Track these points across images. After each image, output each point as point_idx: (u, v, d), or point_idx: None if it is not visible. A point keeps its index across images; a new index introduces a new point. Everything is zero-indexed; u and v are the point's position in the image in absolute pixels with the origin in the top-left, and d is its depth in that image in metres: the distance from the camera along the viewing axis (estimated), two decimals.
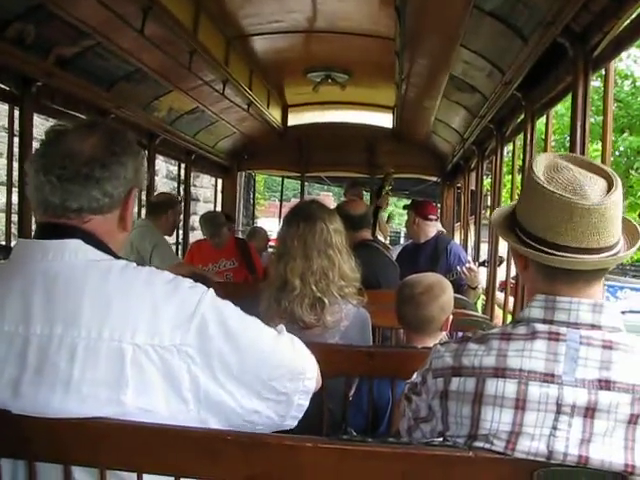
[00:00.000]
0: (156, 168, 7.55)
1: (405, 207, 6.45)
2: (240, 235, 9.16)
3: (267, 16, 4.98)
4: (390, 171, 7.94)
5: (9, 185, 4.40)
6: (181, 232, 8.11)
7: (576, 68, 3.04)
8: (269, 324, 1.70)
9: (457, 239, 7.85)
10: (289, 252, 2.90)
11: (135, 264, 1.62)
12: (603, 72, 3.23)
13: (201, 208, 16.93)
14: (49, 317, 1.49)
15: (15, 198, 4.30)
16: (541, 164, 1.62)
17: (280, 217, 11.18)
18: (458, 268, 5.46)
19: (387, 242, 9.13)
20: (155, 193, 6.60)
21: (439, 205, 8.64)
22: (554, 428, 1.49)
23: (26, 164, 1.63)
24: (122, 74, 4.83)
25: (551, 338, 1.55)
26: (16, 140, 4.33)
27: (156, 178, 7.75)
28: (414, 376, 1.90)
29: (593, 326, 1.55)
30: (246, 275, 6.36)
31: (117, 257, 1.64)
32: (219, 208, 9.21)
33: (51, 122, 4.97)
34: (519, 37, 3.29)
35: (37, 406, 1.46)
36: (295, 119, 8.16)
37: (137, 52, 4.40)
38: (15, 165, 4.33)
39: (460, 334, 2.84)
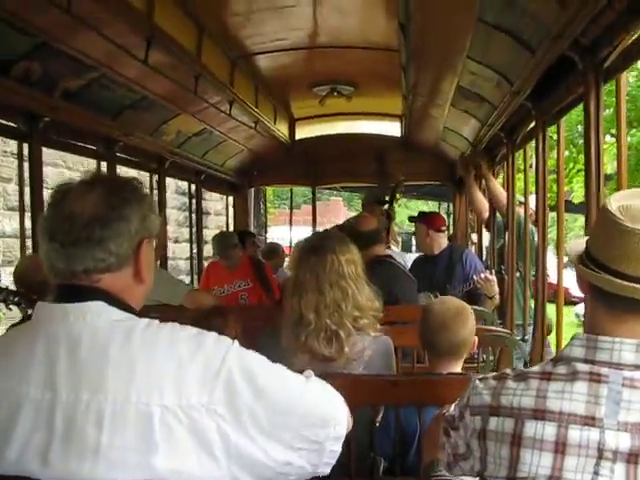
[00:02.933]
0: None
1: (412, 219, 6.40)
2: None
3: (270, 35, 4.99)
4: (401, 179, 7.91)
5: (21, 210, 4.43)
6: (194, 247, 8.11)
7: (586, 80, 3.00)
8: (292, 360, 1.67)
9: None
10: (302, 286, 2.88)
11: (158, 321, 1.60)
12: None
13: (212, 221, 16.98)
14: (74, 382, 1.47)
15: (28, 223, 4.31)
16: (620, 199, 1.59)
17: (291, 225, 11.19)
18: (475, 277, 5.42)
19: (399, 248, 9.11)
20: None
21: (452, 209, 8.59)
22: (596, 474, 1.46)
23: (37, 228, 1.62)
24: (128, 102, 4.83)
25: (592, 379, 1.51)
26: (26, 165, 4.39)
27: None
28: (451, 408, 1.87)
29: (637, 367, 1.51)
30: (261, 295, 6.35)
31: (138, 314, 1.62)
32: (231, 226, 9.22)
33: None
34: (527, 49, 3.25)
35: (67, 475, 1.44)
36: (303, 132, 8.14)
37: (142, 80, 4.41)
38: (26, 189, 4.37)
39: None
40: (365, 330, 2.90)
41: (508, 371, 1.67)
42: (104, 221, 1.55)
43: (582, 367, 1.53)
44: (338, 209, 37.43)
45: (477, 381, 1.71)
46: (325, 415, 1.70)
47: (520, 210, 5.45)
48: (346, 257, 2.91)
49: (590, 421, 1.48)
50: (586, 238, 1.71)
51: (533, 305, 4.74)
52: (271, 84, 6.27)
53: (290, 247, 11.04)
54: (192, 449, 1.47)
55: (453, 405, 1.86)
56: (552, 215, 6.05)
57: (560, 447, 1.49)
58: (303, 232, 17.24)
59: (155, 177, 6.60)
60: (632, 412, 1.47)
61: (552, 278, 4.39)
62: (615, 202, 1.56)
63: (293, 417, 1.61)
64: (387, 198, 8.07)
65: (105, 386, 1.46)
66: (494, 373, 1.72)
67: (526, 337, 4.98)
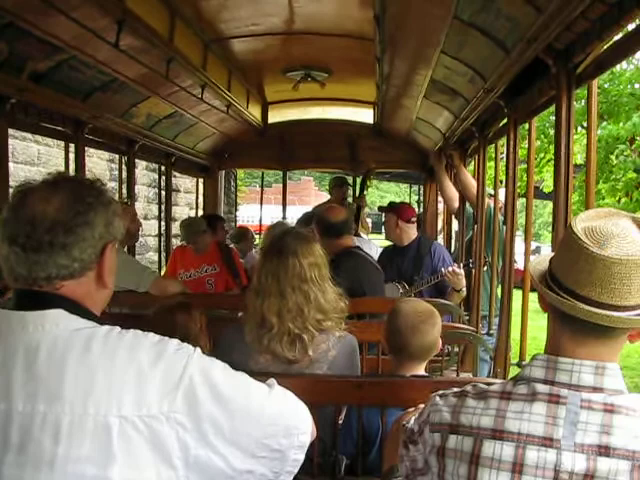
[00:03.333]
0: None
1: (381, 209, 6.41)
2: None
3: (244, 20, 4.91)
4: (372, 167, 7.92)
5: None
6: (163, 224, 8.06)
7: (559, 84, 3.01)
8: (257, 358, 1.65)
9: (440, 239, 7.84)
10: (264, 289, 2.86)
11: (119, 328, 1.56)
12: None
13: (181, 199, 16.90)
14: (31, 393, 1.44)
15: None
16: (586, 219, 1.58)
17: (262, 204, 11.17)
18: (442, 270, 5.44)
19: (368, 235, 9.15)
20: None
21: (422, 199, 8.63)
22: None
23: None
24: (98, 85, 4.74)
25: (551, 401, 1.52)
26: None
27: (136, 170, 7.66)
28: (411, 421, 1.87)
29: (595, 389, 1.51)
30: (228, 280, 6.33)
31: (100, 321, 1.59)
32: (201, 206, 9.17)
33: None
34: (501, 49, 3.25)
35: None
36: (276, 116, 8.08)
37: (113, 63, 4.33)
38: None
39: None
40: (329, 331, 2.90)
41: (468, 388, 1.67)
42: (68, 227, 1.52)
43: (542, 388, 1.54)
44: (309, 188, 37.53)
45: (437, 397, 1.72)
46: (289, 424, 1.69)
47: (490, 202, 5.48)
48: (309, 260, 2.89)
49: (548, 442, 1.49)
50: (548, 256, 1.71)
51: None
52: (244, 68, 6.19)
53: (260, 226, 11.03)
54: (150, 459, 1.45)
55: (413, 419, 1.87)
56: (522, 201, 6.10)
57: (518, 467, 1.49)
58: (274, 211, 17.26)
59: (125, 159, 6.53)
60: (589, 434, 1.47)
61: (519, 264, 4.41)
62: (580, 223, 1.55)
63: (256, 426, 1.60)
64: (358, 186, 8.11)
65: (62, 397, 1.43)
66: (454, 389, 1.72)
67: (491, 331, 5.02)
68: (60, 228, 1.51)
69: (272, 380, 1.78)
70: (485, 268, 5.43)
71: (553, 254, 1.69)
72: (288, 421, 1.69)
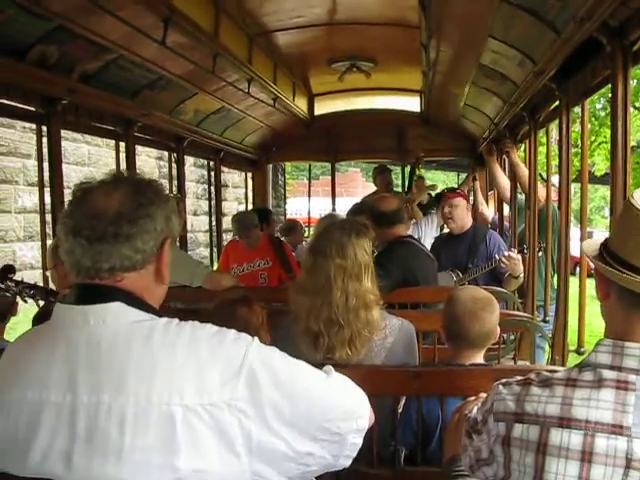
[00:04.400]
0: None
1: (437, 196, 6.37)
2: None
3: (288, 12, 4.93)
4: (420, 155, 7.85)
5: (41, 186, 4.43)
6: (213, 219, 8.11)
7: (614, 62, 2.92)
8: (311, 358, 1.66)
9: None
10: (309, 287, 2.84)
11: (177, 320, 1.58)
12: None
13: (230, 193, 17.02)
14: (95, 385, 1.47)
15: (48, 199, 4.37)
16: None
17: (309, 196, 11.18)
18: (496, 256, 5.36)
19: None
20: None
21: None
22: None
23: (57, 226, 1.60)
24: (145, 83, 4.80)
25: (619, 387, 1.47)
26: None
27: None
28: (474, 410, 1.84)
29: None
30: (281, 274, 6.34)
31: (158, 314, 1.60)
32: (250, 200, 9.21)
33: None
34: (552, 30, 3.17)
35: (91, 477, 1.44)
36: (322, 108, 8.10)
37: (160, 61, 4.39)
38: (45, 165, 4.40)
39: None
40: (386, 318, 2.87)
41: (532, 376, 1.63)
42: (131, 218, 1.54)
43: (609, 374, 1.49)
44: (356, 180, 37.41)
45: (500, 386, 1.68)
46: (347, 408, 1.71)
47: (542, 190, 5.38)
48: (353, 256, 2.84)
49: (617, 429, 1.44)
50: (599, 240, 1.67)
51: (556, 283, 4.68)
52: (290, 61, 6.22)
53: (309, 219, 11.02)
54: (214, 447, 1.47)
55: (476, 408, 1.84)
56: (573, 186, 6.00)
57: (587, 456, 1.45)
58: (322, 203, 17.23)
59: (174, 156, 6.59)
60: None
61: (574, 251, 4.31)
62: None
63: (316, 410, 1.62)
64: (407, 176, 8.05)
65: (126, 388, 1.46)
66: (518, 378, 1.68)
67: (547, 318, 4.94)
68: (123, 219, 1.53)
69: (329, 367, 1.80)
70: (540, 254, 5.34)
71: (607, 237, 1.64)
72: (346, 405, 1.71)
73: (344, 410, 1.69)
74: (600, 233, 20.19)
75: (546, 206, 4.98)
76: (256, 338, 1.60)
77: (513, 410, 1.59)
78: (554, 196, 4.96)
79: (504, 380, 1.71)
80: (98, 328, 1.52)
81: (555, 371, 1.63)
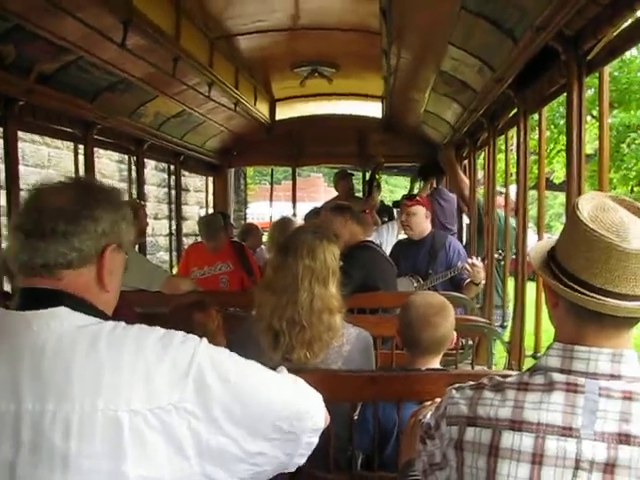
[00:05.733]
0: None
1: (395, 204, 6.39)
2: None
3: (250, 16, 4.92)
4: (381, 161, 7.89)
5: None
6: (173, 223, 8.06)
7: (570, 71, 2.97)
8: (271, 358, 1.65)
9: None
10: (275, 286, 2.84)
11: (124, 323, 1.55)
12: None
13: (192, 197, 16.90)
14: (40, 392, 1.43)
15: (3, 201, 4.33)
16: (588, 203, 1.54)
17: (272, 200, 11.15)
18: (459, 264, 5.40)
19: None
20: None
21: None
22: None
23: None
24: (105, 85, 4.75)
25: (569, 390, 1.49)
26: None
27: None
28: (427, 416, 1.85)
29: (612, 376, 1.49)
30: (242, 278, 6.31)
31: (104, 316, 1.58)
32: (211, 204, 9.17)
33: None
34: (510, 38, 3.22)
35: None
36: (283, 113, 8.09)
37: (120, 63, 4.34)
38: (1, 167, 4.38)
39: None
40: (343, 326, 2.87)
41: (485, 380, 1.65)
42: (72, 216, 1.53)
43: (559, 377, 1.52)
44: (318, 185, 37.45)
45: (453, 391, 1.70)
46: (300, 407, 1.70)
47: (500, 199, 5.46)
48: (320, 259, 2.85)
49: (567, 431, 1.47)
50: (545, 245, 1.68)
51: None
52: (251, 65, 6.20)
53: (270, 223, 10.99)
54: (163, 452, 1.44)
55: (429, 414, 1.85)
56: (532, 193, 6.08)
57: (537, 458, 1.47)
58: (284, 208, 17.21)
59: (134, 159, 6.54)
60: (608, 422, 1.45)
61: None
62: (584, 212, 1.52)
63: (266, 408, 1.60)
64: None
65: (71, 394, 1.42)
66: (470, 382, 1.70)
67: (505, 323, 4.99)
68: (64, 217, 1.52)
69: (282, 367, 1.81)
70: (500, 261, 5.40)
71: (554, 246, 1.65)
72: (300, 404, 1.70)
73: (297, 409, 1.68)
74: None
75: (505, 219, 5.05)
76: (204, 339, 1.58)
77: (466, 414, 1.60)
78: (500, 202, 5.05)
79: (457, 385, 1.72)
80: (42, 334, 1.48)
81: (509, 375, 1.65)
